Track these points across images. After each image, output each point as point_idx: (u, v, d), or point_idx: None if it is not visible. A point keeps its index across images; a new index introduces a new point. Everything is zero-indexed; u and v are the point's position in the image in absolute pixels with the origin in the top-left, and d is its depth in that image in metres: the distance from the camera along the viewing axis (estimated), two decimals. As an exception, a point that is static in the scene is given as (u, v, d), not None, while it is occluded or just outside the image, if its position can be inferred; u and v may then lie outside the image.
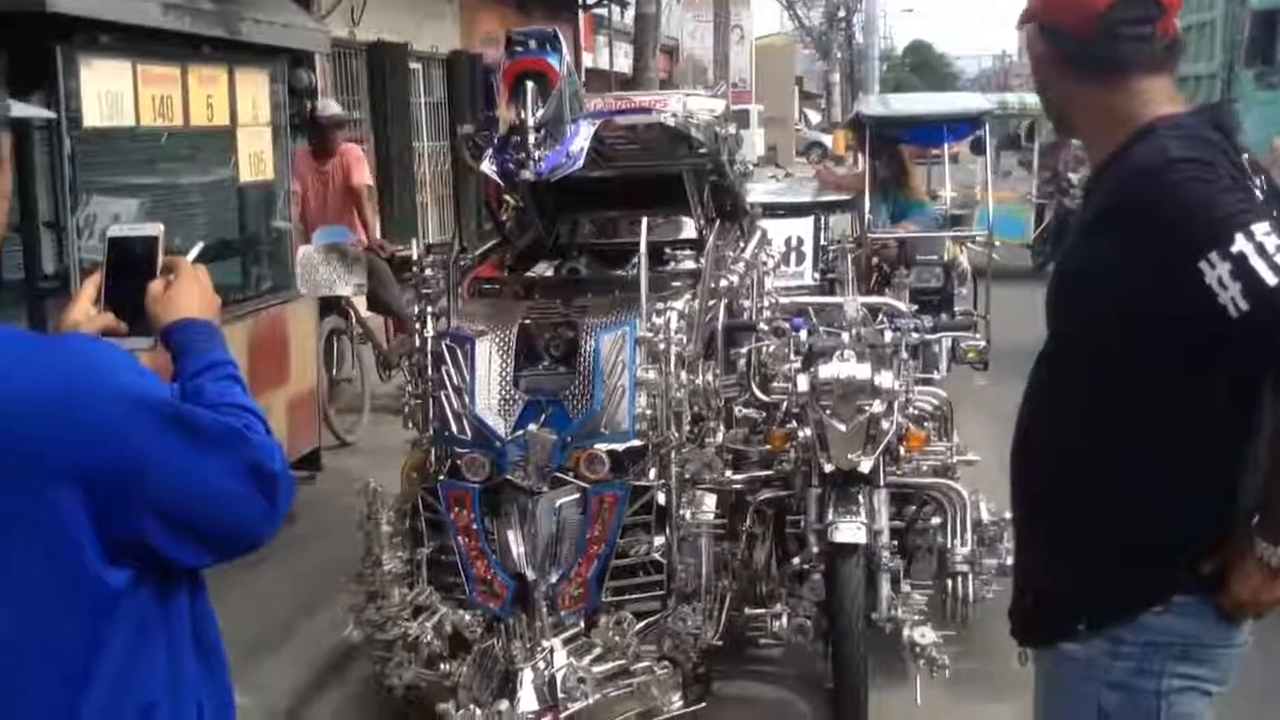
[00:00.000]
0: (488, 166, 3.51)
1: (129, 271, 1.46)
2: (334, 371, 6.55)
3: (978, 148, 8.07)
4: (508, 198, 7.85)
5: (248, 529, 1.29)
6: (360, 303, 6.73)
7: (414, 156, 11.45)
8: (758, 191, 6.02)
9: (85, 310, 1.45)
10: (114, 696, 1.20)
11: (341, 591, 4.27)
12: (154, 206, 4.51)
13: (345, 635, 3.42)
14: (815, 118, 41.61)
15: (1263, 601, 1.70)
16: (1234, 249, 1.52)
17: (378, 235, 6.94)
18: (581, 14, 17.36)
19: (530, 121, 3.36)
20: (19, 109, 1.35)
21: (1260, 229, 1.54)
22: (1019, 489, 1.95)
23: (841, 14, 35.65)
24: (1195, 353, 1.63)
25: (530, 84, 3.39)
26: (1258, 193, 1.66)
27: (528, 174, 3.41)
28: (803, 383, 3.40)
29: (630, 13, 14.53)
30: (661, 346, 3.41)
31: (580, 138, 3.55)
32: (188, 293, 1.44)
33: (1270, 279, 1.52)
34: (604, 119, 3.82)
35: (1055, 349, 1.86)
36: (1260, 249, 1.52)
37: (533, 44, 3.48)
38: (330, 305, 6.32)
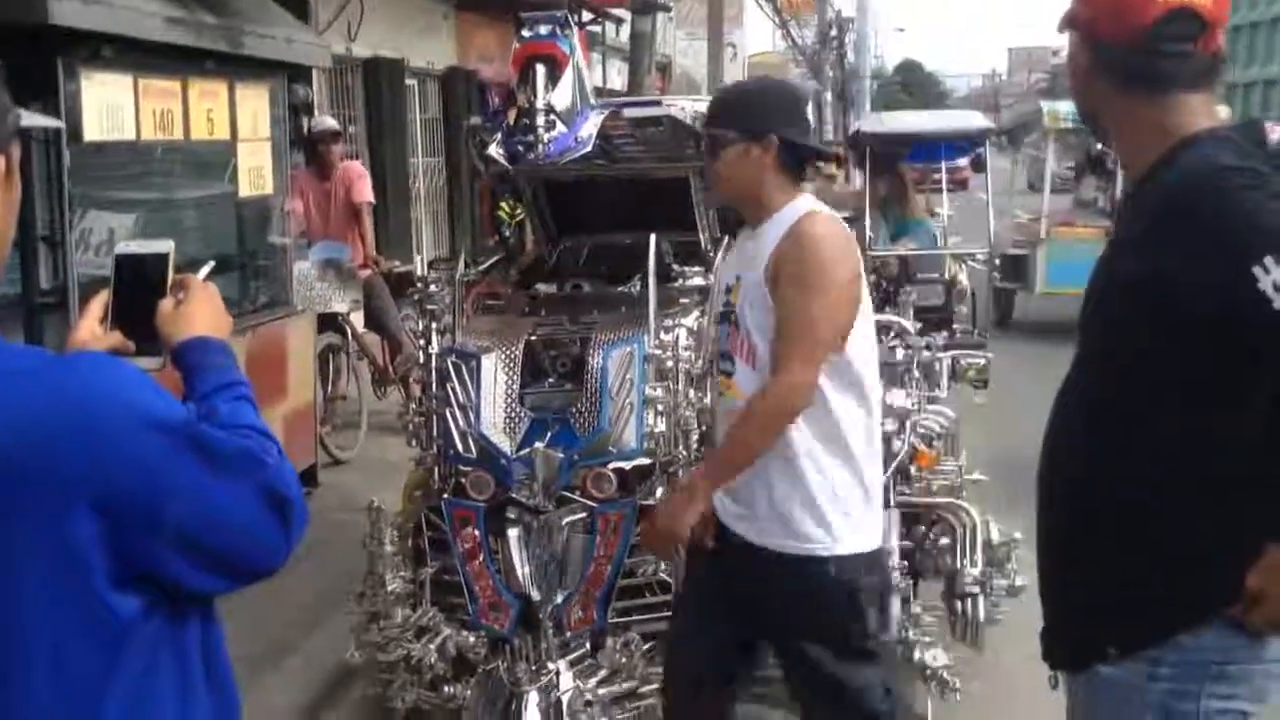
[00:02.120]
0: (496, 150, 3.47)
1: (138, 290, 1.41)
2: (329, 388, 6.50)
3: (978, 165, 8.07)
4: (502, 208, 7.83)
5: (261, 555, 1.26)
6: (357, 319, 6.69)
7: (409, 172, 11.41)
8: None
9: (92, 329, 1.40)
10: None
11: (340, 611, 4.23)
12: (153, 221, 4.47)
13: (347, 656, 3.36)
14: (807, 136, 41.67)
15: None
16: None
17: (374, 251, 6.91)
18: (576, 31, 17.37)
19: (539, 104, 3.33)
20: (29, 119, 1.32)
21: None
22: (1049, 509, 1.92)
23: (834, 33, 35.80)
24: (1243, 363, 1.62)
25: (540, 66, 3.36)
26: None
27: (536, 156, 3.37)
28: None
29: (625, 30, 14.57)
30: (670, 364, 3.38)
31: (590, 123, 3.52)
32: (200, 311, 1.40)
33: None
34: (612, 110, 3.79)
35: (1091, 368, 1.83)
36: None
37: (542, 29, 3.46)
38: (327, 322, 6.28)
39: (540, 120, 3.33)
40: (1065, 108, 10.29)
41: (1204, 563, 1.69)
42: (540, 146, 3.34)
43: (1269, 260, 1.52)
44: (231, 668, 1.31)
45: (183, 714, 1.22)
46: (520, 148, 3.39)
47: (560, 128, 3.39)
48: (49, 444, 1.09)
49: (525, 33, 3.46)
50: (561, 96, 3.41)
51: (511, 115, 3.47)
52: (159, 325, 1.39)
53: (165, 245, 1.45)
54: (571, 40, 3.48)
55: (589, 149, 3.50)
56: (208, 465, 1.18)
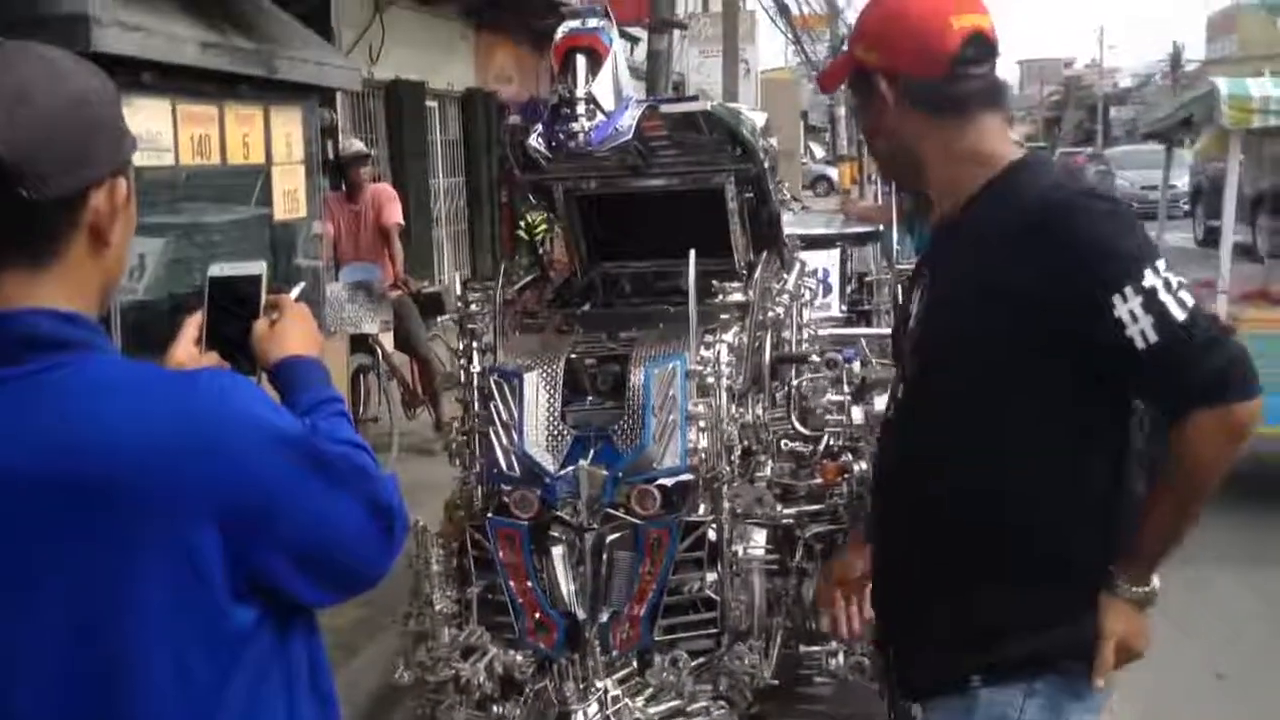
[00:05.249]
0: (535, 140, 3.47)
1: (231, 310, 1.45)
2: (360, 409, 6.52)
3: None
4: (521, 227, 7.85)
5: (369, 564, 1.28)
6: (387, 340, 6.72)
7: (430, 193, 11.49)
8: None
9: (188, 350, 1.44)
10: None
11: (382, 631, 4.23)
12: (190, 245, 4.51)
13: (396, 677, 3.36)
14: (820, 151, 41.78)
15: (1133, 639, 1.75)
16: (1145, 283, 1.62)
17: (403, 273, 6.95)
18: (615, 26, 17.38)
19: (580, 92, 3.34)
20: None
21: (1162, 264, 1.65)
22: (904, 533, 1.91)
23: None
24: (1094, 384, 1.70)
25: (581, 57, 3.37)
26: None
27: (577, 144, 3.36)
28: (857, 415, 3.36)
29: (641, 49, 14.66)
30: (711, 380, 3.38)
31: (629, 114, 3.52)
32: (294, 330, 1.44)
33: (1179, 313, 1.62)
34: (650, 104, 3.79)
35: (938, 394, 1.83)
36: (1167, 284, 1.63)
37: (583, 21, 3.48)
38: (357, 343, 6.31)
39: (581, 109, 3.34)
40: (1263, 89, 5.87)
41: (1082, 593, 1.75)
42: (581, 135, 3.34)
43: (1128, 289, 1.62)
44: (333, 679, 1.32)
45: (289, 718, 1.24)
46: (561, 135, 3.38)
47: (600, 117, 3.40)
48: (175, 459, 1.11)
49: (566, 25, 3.48)
50: (602, 87, 3.41)
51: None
52: (255, 344, 1.42)
53: (258, 267, 1.49)
54: (611, 33, 3.48)
55: (629, 137, 3.50)
56: (324, 478, 1.21)
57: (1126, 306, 1.61)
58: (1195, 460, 1.66)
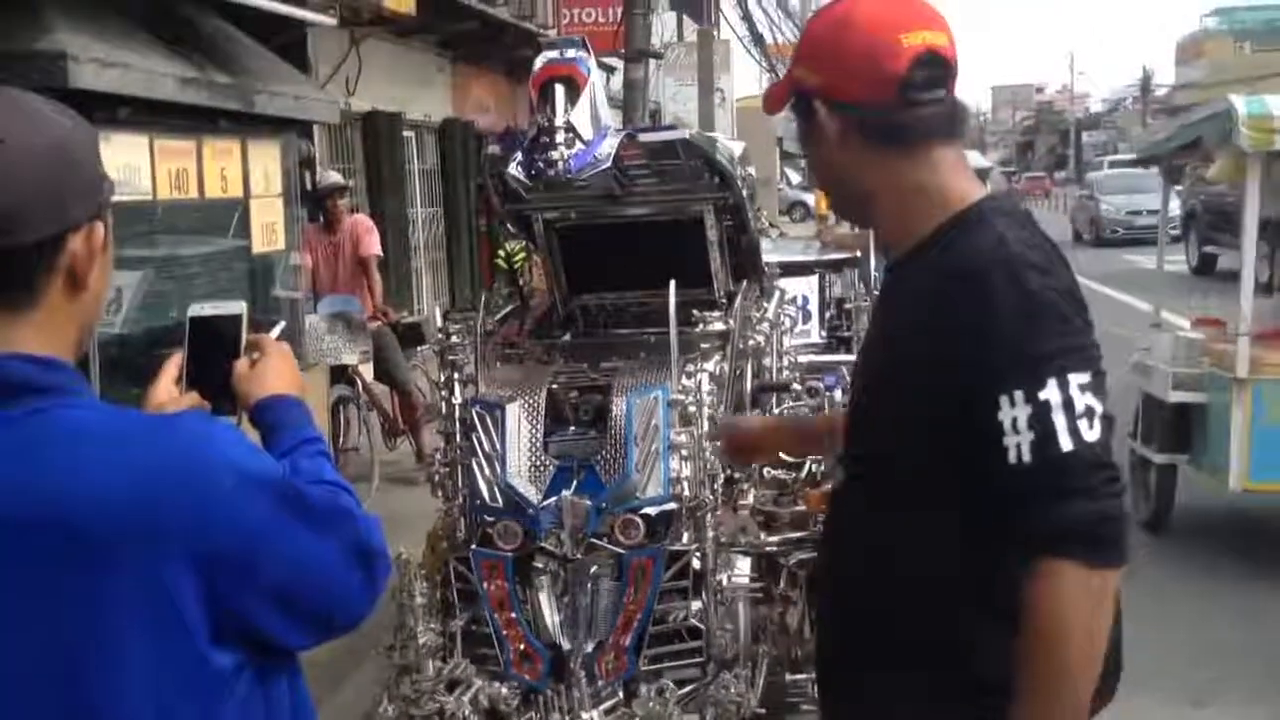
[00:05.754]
0: (515, 169, 3.48)
1: (211, 350, 1.44)
2: (341, 440, 6.50)
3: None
4: (500, 256, 7.88)
5: (351, 607, 1.27)
6: (367, 370, 6.70)
7: (408, 223, 11.49)
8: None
9: (168, 390, 1.43)
10: None
11: (363, 664, 4.20)
12: (166, 278, 4.49)
13: (379, 711, 3.33)
14: (796, 178, 42.03)
15: None
16: (1041, 395, 1.39)
17: (382, 303, 6.94)
18: (593, 56, 17.44)
19: (559, 121, 3.36)
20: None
21: (1077, 380, 1.40)
22: (828, 556, 1.77)
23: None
24: (967, 481, 1.46)
25: (559, 86, 3.39)
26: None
27: (556, 172, 3.37)
28: (839, 442, 3.37)
29: (617, 79, 14.75)
30: (693, 409, 3.39)
31: (608, 143, 3.54)
32: (275, 370, 1.43)
33: (1066, 443, 1.38)
34: (629, 133, 3.81)
35: (867, 414, 1.68)
36: (1068, 405, 1.39)
37: (562, 51, 3.51)
38: (337, 373, 6.29)
39: (560, 137, 3.36)
40: None
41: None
42: (561, 163, 3.36)
43: (1019, 393, 1.39)
44: (317, 717, 1.32)
45: None
46: (541, 164, 3.40)
47: (580, 145, 3.42)
48: (154, 505, 1.11)
49: (544, 55, 3.51)
50: (581, 116, 3.44)
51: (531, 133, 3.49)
52: (236, 384, 1.42)
53: (239, 306, 1.48)
54: (589, 63, 3.51)
55: (608, 165, 3.52)
56: (305, 521, 1.20)
57: (1011, 412, 1.39)
58: (1049, 621, 1.39)
